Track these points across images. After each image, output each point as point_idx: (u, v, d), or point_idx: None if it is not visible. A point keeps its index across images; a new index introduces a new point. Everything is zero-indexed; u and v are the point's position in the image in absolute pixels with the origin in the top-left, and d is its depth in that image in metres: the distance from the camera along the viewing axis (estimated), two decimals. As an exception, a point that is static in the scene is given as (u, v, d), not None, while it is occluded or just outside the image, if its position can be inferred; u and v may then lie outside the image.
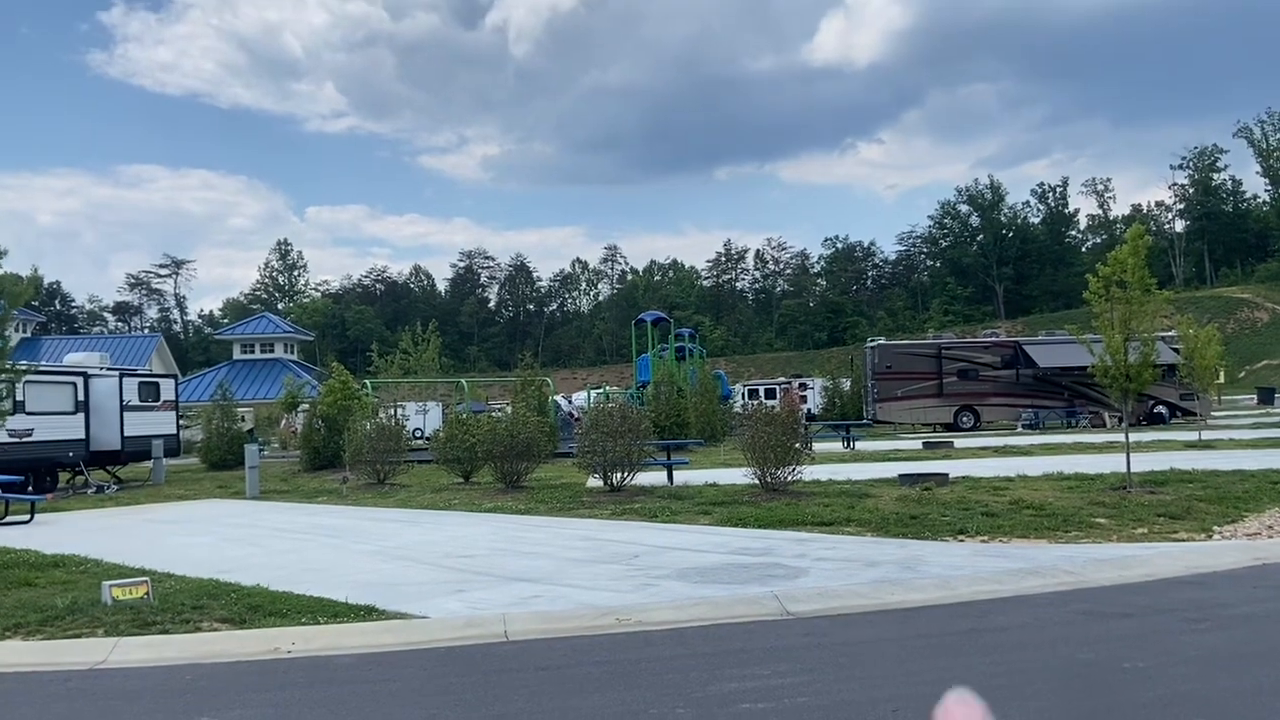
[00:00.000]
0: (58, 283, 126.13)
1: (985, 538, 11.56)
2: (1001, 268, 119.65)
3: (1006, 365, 37.52)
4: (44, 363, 34.95)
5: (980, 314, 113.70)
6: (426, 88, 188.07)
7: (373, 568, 10.94)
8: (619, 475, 17.17)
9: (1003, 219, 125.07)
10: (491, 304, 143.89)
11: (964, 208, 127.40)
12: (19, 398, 21.64)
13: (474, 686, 6.32)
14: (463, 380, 44.31)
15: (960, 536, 11.69)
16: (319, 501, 19.56)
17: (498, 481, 19.17)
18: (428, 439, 32.81)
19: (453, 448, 20.87)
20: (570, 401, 48.31)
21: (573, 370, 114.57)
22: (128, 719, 6.11)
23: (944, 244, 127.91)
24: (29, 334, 63.07)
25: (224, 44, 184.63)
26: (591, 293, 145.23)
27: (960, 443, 27.51)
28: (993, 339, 41.42)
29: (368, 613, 8.33)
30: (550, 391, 35.37)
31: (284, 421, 42.10)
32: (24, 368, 20.04)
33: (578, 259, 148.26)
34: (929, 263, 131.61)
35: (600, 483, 17.50)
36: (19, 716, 6.19)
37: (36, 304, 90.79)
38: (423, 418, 40.87)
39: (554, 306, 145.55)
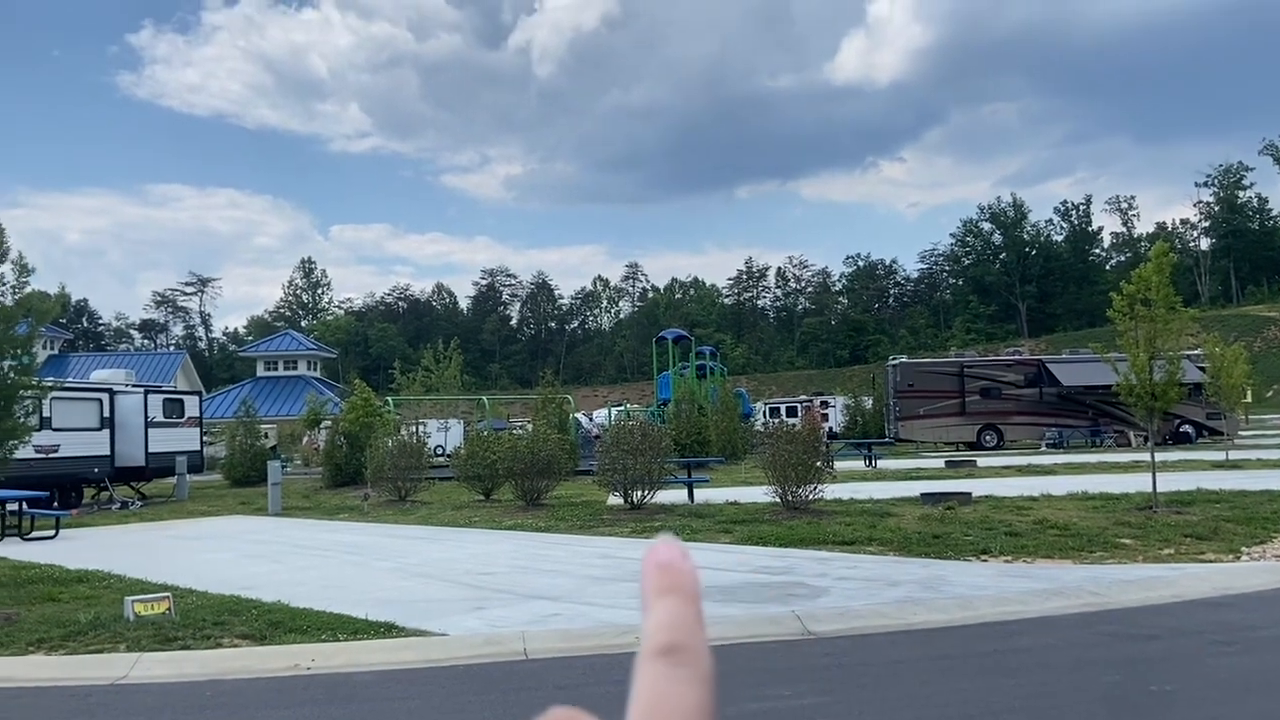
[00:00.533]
0: (85, 300, 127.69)
1: (1009, 558, 11.45)
2: (1025, 286, 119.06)
3: (1030, 384, 37.24)
4: (71, 379, 35.32)
5: (1003, 332, 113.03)
6: (450, 108, 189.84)
7: (393, 585, 10.95)
8: (639, 493, 17.13)
9: (1026, 237, 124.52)
10: (513, 322, 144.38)
11: (986, 225, 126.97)
12: (45, 414, 21.85)
13: (492, 705, 6.30)
14: (484, 397, 44.45)
15: (984, 556, 11.58)
16: (340, 518, 19.61)
17: (518, 499, 19.16)
18: (449, 456, 32.88)
19: (474, 465, 20.90)
20: (591, 419, 48.35)
21: (594, 388, 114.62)
22: (148, 735, 6.13)
23: (966, 262, 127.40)
24: (56, 351, 63.75)
25: (251, 65, 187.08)
26: (613, 310, 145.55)
27: (983, 461, 27.30)
28: (1016, 357, 41.11)
29: (388, 630, 8.33)
30: (571, 409, 35.41)
31: (306, 438, 42.35)
32: (50, 384, 20.25)
33: (599, 277, 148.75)
34: (951, 281, 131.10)
35: (621, 500, 17.46)
36: (41, 731, 6.22)
37: (64, 321, 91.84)
38: (444, 435, 41.00)
39: (575, 324, 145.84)
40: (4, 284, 10.04)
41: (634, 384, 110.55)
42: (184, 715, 6.38)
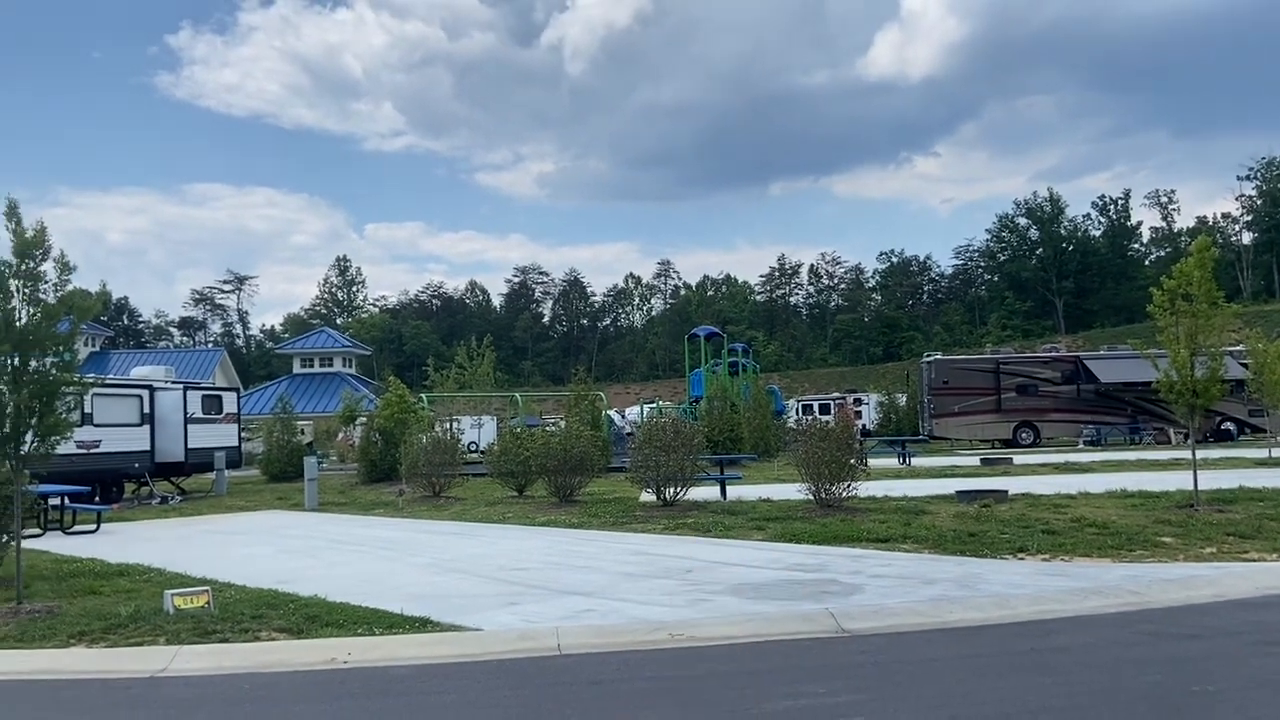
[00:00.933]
0: (125, 298, 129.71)
1: (1046, 556, 11.33)
2: (1061, 281, 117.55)
3: (1067, 380, 36.85)
4: (111, 376, 35.84)
5: (1039, 329, 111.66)
6: (483, 106, 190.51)
7: (428, 580, 11.02)
8: (672, 490, 17.13)
9: (1063, 232, 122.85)
10: (545, 319, 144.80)
11: (1023, 221, 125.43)
12: (87, 410, 22.21)
13: (526, 700, 6.33)
14: (517, 394, 44.59)
15: (1020, 555, 11.46)
16: (375, 514, 19.77)
17: (551, 495, 19.23)
18: (482, 452, 33.05)
19: (507, 461, 20.99)
20: (624, 416, 48.39)
21: (626, 385, 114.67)
22: (188, 726, 6.20)
23: (1002, 258, 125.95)
24: (97, 348, 64.74)
25: (287, 65, 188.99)
26: (645, 308, 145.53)
27: (1019, 459, 27.03)
28: (1053, 354, 40.68)
29: (423, 624, 8.38)
30: (604, 406, 35.44)
31: (342, 434, 42.69)
32: (91, 380, 20.53)
33: (631, 274, 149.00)
34: (987, 277, 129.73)
35: (653, 497, 17.47)
36: (84, 722, 6.32)
37: (105, 319, 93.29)
38: (477, 431, 41.24)
39: (607, 321, 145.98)
40: (46, 282, 10.17)
41: (666, 381, 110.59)
42: (223, 707, 6.46)
